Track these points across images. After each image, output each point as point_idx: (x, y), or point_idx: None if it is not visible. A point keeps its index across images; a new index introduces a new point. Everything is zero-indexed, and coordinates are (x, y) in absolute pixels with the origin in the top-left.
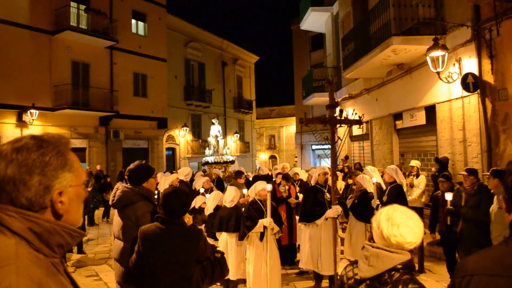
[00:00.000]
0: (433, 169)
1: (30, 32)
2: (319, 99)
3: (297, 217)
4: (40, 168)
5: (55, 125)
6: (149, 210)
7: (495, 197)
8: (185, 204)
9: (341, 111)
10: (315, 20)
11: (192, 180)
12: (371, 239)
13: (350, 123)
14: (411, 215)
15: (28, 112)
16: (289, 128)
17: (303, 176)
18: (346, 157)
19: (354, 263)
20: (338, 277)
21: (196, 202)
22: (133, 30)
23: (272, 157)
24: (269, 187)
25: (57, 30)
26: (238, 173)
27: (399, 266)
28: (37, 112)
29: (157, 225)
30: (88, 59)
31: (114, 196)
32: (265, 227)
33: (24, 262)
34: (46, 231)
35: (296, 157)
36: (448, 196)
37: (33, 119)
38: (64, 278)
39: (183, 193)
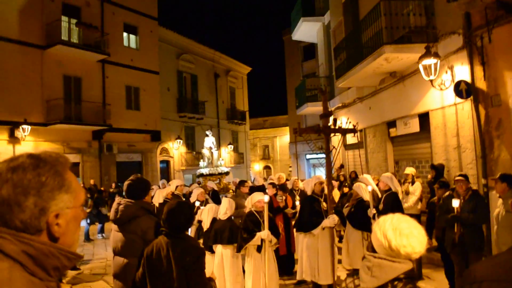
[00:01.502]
0: (429, 176)
1: (21, 47)
2: (313, 108)
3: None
4: (36, 189)
5: (48, 140)
6: (153, 223)
7: (500, 201)
8: (189, 218)
9: (335, 120)
10: (306, 30)
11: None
12: (370, 248)
13: (344, 132)
14: (415, 224)
15: (20, 127)
16: (283, 138)
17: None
18: (341, 166)
19: (354, 274)
20: None
21: (201, 215)
22: (125, 43)
23: (267, 167)
24: (266, 198)
25: (49, 45)
26: (242, 182)
27: (402, 276)
28: (29, 127)
29: (163, 239)
30: (80, 73)
31: (116, 211)
32: (262, 239)
33: (18, 287)
34: (41, 253)
35: (290, 167)
36: (455, 203)
37: (25, 135)
38: None
39: (188, 207)
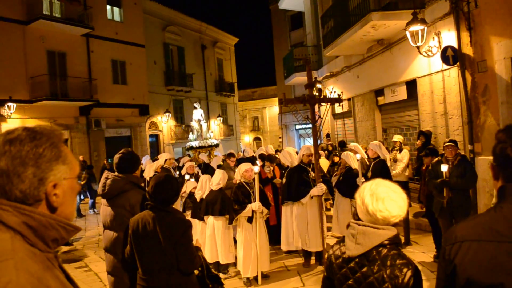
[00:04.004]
0: (418, 142)
1: (2, 23)
2: (301, 78)
3: None
4: (34, 160)
5: (34, 118)
6: (141, 197)
7: None
8: (177, 192)
9: (319, 90)
10: None
11: (177, 167)
12: (355, 215)
13: (329, 101)
14: (394, 188)
15: (6, 105)
16: (272, 109)
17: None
18: (327, 135)
19: (340, 242)
20: (326, 256)
21: (187, 187)
22: (109, 16)
23: (257, 139)
24: (256, 168)
25: (30, 20)
26: (229, 155)
27: (386, 242)
28: (15, 105)
29: (148, 213)
30: (64, 48)
31: (104, 186)
32: (253, 210)
33: (21, 257)
34: (41, 225)
35: (280, 137)
36: (444, 168)
37: (11, 113)
38: (60, 272)
39: (175, 181)
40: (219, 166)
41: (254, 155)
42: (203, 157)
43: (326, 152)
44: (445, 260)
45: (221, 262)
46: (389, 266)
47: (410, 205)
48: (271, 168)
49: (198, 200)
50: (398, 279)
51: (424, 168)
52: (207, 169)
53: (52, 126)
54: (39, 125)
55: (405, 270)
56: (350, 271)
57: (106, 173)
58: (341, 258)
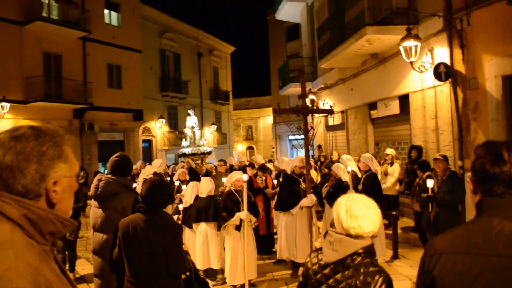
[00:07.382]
0: (412, 155)
1: None
2: (296, 89)
3: None
4: (37, 157)
5: (28, 118)
6: (133, 200)
7: None
8: (169, 196)
9: (312, 101)
10: (290, 10)
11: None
12: (333, 224)
13: (321, 112)
14: (369, 204)
15: None
16: (266, 119)
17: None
18: (319, 147)
19: (318, 249)
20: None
21: (185, 192)
22: (106, 20)
23: (250, 148)
24: (245, 177)
25: (27, 21)
26: (220, 161)
27: (361, 251)
28: (8, 105)
29: (139, 216)
30: (60, 50)
31: (96, 188)
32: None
33: (20, 247)
34: (40, 218)
35: (273, 147)
36: (430, 184)
37: (4, 112)
38: (55, 265)
39: (167, 185)
40: (208, 174)
41: (240, 165)
42: (190, 162)
43: (319, 163)
44: (424, 271)
45: (213, 267)
46: (362, 273)
47: (398, 219)
48: (263, 178)
49: (184, 206)
50: (370, 286)
51: (417, 180)
52: (195, 175)
53: (55, 126)
54: (44, 125)
55: (377, 277)
56: (324, 277)
57: (99, 175)
58: (317, 265)
